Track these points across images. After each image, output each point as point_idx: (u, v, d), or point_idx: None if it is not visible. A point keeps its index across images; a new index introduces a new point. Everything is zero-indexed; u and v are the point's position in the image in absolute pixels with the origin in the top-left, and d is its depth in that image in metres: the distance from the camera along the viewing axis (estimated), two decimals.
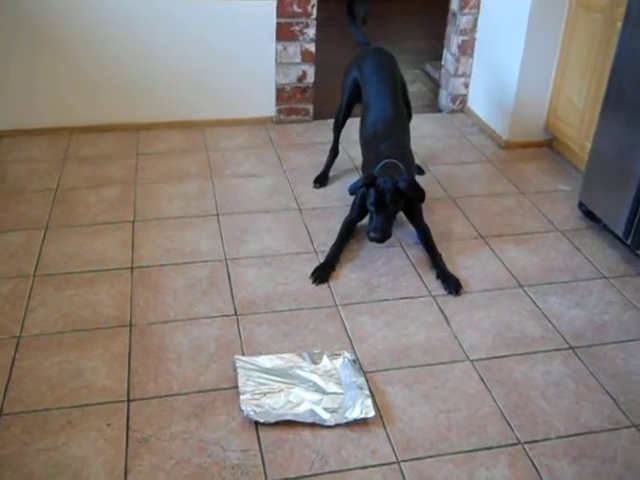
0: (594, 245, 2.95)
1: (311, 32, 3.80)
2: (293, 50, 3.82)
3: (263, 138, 3.84)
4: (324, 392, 2.12)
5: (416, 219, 2.85)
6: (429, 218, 2.96)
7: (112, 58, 3.68)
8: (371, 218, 2.67)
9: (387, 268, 2.75)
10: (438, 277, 2.69)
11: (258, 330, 2.39)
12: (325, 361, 2.23)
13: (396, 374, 2.23)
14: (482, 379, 2.22)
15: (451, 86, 4.19)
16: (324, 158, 3.44)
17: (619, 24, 2.87)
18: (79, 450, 1.92)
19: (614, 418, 2.09)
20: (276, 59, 3.84)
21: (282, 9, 3.70)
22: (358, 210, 2.82)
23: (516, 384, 2.20)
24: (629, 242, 2.80)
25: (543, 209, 3.22)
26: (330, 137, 3.43)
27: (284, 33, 3.77)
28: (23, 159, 3.52)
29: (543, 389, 2.19)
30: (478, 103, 4.11)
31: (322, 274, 2.67)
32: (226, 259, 2.77)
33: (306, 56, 3.86)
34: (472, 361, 2.30)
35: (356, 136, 3.11)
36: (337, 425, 2.01)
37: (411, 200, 2.71)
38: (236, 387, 2.13)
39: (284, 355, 2.26)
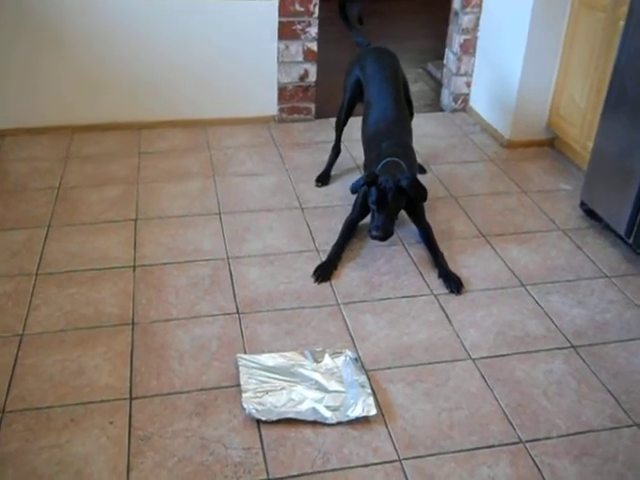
0: (596, 244, 2.95)
1: (313, 31, 3.80)
2: (295, 49, 3.83)
3: (265, 137, 3.84)
4: (326, 390, 2.12)
5: (418, 218, 2.85)
6: (431, 217, 2.96)
7: (114, 57, 3.69)
8: (373, 217, 2.68)
9: (389, 267, 2.75)
10: (440, 276, 2.69)
11: (260, 328, 2.40)
12: (327, 359, 2.24)
13: (398, 372, 2.23)
14: (484, 378, 2.22)
15: (453, 85, 4.19)
16: (326, 157, 3.44)
17: (621, 23, 2.87)
18: (82, 448, 1.93)
19: (616, 417, 2.09)
20: (278, 58, 3.84)
21: (284, 8, 3.70)
22: (360, 209, 2.82)
23: (518, 383, 2.21)
24: (631, 241, 2.80)
25: (545, 208, 3.22)
26: (332, 136, 3.43)
27: (286, 32, 3.77)
28: (25, 158, 3.53)
29: (545, 388, 2.19)
30: (480, 102, 4.11)
31: (324, 273, 2.67)
32: (228, 258, 2.78)
33: (308, 55, 3.86)
34: (474, 360, 2.30)
35: (358, 135, 3.11)
36: (339, 423, 2.02)
37: (413, 199, 2.71)
38: (238, 385, 2.13)
39: (286, 353, 2.26)
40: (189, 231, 2.94)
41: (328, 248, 2.80)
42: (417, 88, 4.60)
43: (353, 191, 2.76)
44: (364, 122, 3.04)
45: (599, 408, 2.12)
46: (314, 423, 2.02)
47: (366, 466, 1.91)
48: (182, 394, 2.11)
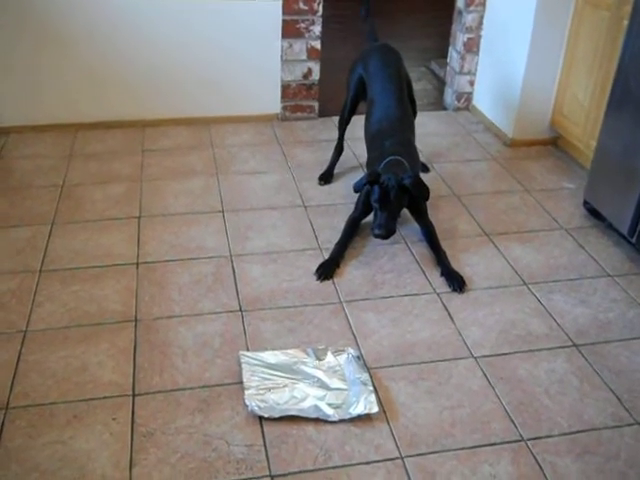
0: (599, 243, 2.95)
1: (317, 29, 3.80)
2: (299, 47, 3.83)
3: (268, 135, 3.85)
4: (328, 388, 2.13)
5: (420, 216, 2.85)
6: (434, 215, 2.96)
7: (118, 55, 3.69)
8: (375, 215, 2.68)
9: (391, 265, 2.76)
10: (442, 274, 2.69)
11: (263, 326, 2.40)
12: (329, 357, 2.24)
13: (400, 370, 2.24)
14: (486, 376, 2.23)
15: (456, 84, 4.19)
16: (329, 155, 3.45)
17: (625, 22, 2.87)
18: (85, 444, 1.94)
19: (617, 415, 2.10)
20: (282, 56, 3.84)
21: (288, 6, 3.71)
22: (363, 207, 2.83)
23: (520, 381, 2.21)
24: (634, 241, 2.80)
25: (548, 207, 3.22)
26: (335, 134, 3.43)
27: (290, 30, 3.77)
28: (29, 155, 3.54)
29: (547, 386, 2.19)
30: (483, 101, 4.11)
31: (326, 271, 2.67)
32: (231, 255, 2.78)
33: (312, 53, 3.86)
34: (476, 358, 2.30)
35: (361, 133, 3.11)
36: (341, 421, 2.02)
37: (416, 197, 2.72)
38: (241, 382, 2.14)
39: (289, 351, 2.27)
40: (192, 229, 2.95)
41: (331, 246, 2.81)
42: (420, 87, 4.60)
43: (356, 190, 2.76)
44: (367, 120, 3.05)
45: (601, 407, 2.13)
46: (316, 420, 2.02)
47: (368, 463, 1.91)
48: (185, 391, 2.12)
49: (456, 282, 2.64)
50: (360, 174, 3.27)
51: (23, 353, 2.25)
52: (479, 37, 4.05)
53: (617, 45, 2.98)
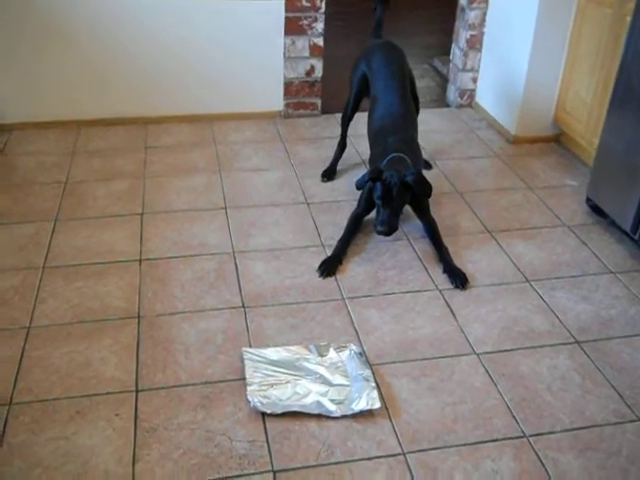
0: (601, 240, 2.95)
1: (320, 26, 3.80)
2: (301, 44, 3.83)
3: (271, 132, 3.85)
4: (330, 384, 2.13)
5: (423, 213, 2.85)
6: (436, 212, 2.96)
7: (121, 52, 3.70)
8: (378, 211, 2.68)
9: (394, 262, 2.76)
10: (444, 271, 2.69)
11: (265, 322, 2.41)
12: (332, 353, 2.25)
13: (402, 367, 2.24)
14: (488, 372, 2.23)
15: (459, 81, 4.19)
16: (332, 152, 3.45)
17: (628, 19, 2.86)
18: (88, 439, 1.94)
19: (619, 412, 2.10)
20: (284, 53, 3.84)
21: (291, 3, 3.71)
22: (365, 204, 2.83)
23: (522, 378, 2.21)
24: (636, 238, 2.80)
25: (550, 204, 3.21)
26: (338, 131, 3.44)
27: (293, 27, 3.77)
28: (32, 152, 3.54)
29: (549, 383, 2.20)
30: (486, 98, 4.11)
31: (329, 267, 2.68)
32: (234, 252, 2.79)
33: (314, 50, 3.86)
34: (478, 354, 2.30)
35: (364, 130, 3.11)
36: (343, 416, 2.03)
37: (418, 194, 2.72)
38: (243, 379, 2.14)
39: (291, 347, 2.27)
40: (195, 225, 2.95)
41: (334, 243, 2.81)
42: (423, 84, 4.60)
43: (358, 187, 2.76)
44: (370, 117, 3.05)
45: (603, 403, 2.13)
46: (318, 416, 2.03)
47: (370, 459, 1.92)
48: (187, 387, 2.13)
49: (458, 279, 2.64)
50: (362, 171, 3.27)
51: (26, 349, 2.26)
52: (482, 34, 4.04)
53: (620, 42, 2.97)
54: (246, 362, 2.19)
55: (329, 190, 3.28)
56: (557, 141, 3.80)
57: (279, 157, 3.58)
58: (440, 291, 2.61)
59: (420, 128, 3.07)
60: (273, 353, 2.24)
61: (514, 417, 2.07)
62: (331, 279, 2.65)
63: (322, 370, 2.18)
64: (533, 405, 2.11)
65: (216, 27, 3.73)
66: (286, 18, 3.75)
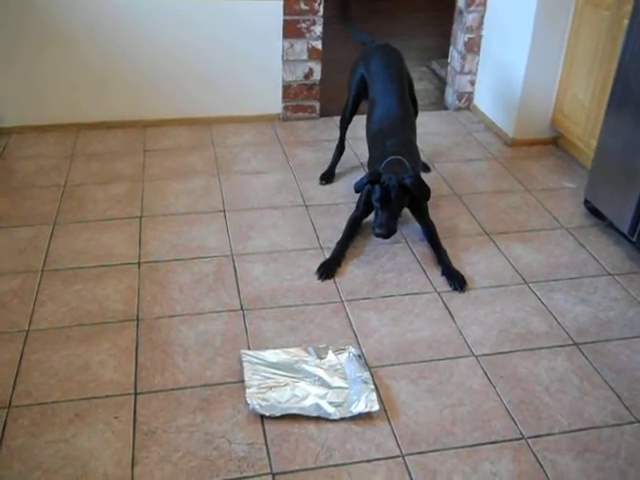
0: (599, 242, 2.96)
1: (318, 29, 3.81)
2: (300, 47, 3.84)
3: (270, 135, 3.86)
4: (329, 386, 2.13)
5: (421, 215, 2.86)
6: (435, 215, 2.97)
7: (119, 55, 3.70)
8: (376, 214, 2.69)
9: (392, 264, 2.76)
10: (443, 273, 2.70)
11: (264, 325, 2.41)
12: (330, 356, 2.25)
13: (401, 369, 2.24)
14: (486, 374, 2.23)
15: (457, 83, 4.19)
16: (330, 155, 3.46)
17: (626, 21, 2.87)
18: (87, 442, 1.95)
19: (618, 414, 2.10)
20: (283, 56, 3.85)
21: (289, 6, 3.72)
22: (364, 206, 2.83)
23: (520, 379, 2.22)
24: (634, 239, 2.81)
25: (549, 206, 3.22)
26: (336, 134, 3.44)
27: (291, 30, 3.78)
28: (31, 155, 3.55)
29: (547, 385, 2.20)
30: (484, 100, 4.12)
31: (328, 270, 2.68)
32: (232, 255, 2.79)
33: (313, 53, 3.87)
34: (477, 357, 2.31)
35: (362, 133, 3.12)
36: (342, 419, 2.03)
37: (416, 197, 2.72)
38: (242, 381, 2.14)
39: (290, 349, 2.28)
40: (194, 228, 2.96)
41: (332, 245, 2.81)
42: (421, 87, 4.61)
43: (357, 189, 2.77)
44: (368, 120, 3.05)
45: (601, 405, 2.13)
46: (317, 419, 2.03)
47: (369, 461, 1.92)
48: (186, 389, 2.13)
49: (457, 281, 2.64)
50: (361, 174, 3.28)
51: (25, 352, 2.26)
52: (480, 37, 4.05)
53: (617, 44, 2.98)
54: (245, 364, 2.20)
55: (327, 193, 3.28)
56: (555, 143, 3.80)
57: (278, 160, 3.58)
58: (439, 293, 2.61)
59: (418, 131, 3.08)
60: (272, 355, 2.25)
61: (512, 419, 2.07)
62: (330, 281, 2.65)
63: (321, 372, 2.18)
64: (531, 407, 2.11)
65: (215, 30, 3.73)
66: (284, 21, 3.76)
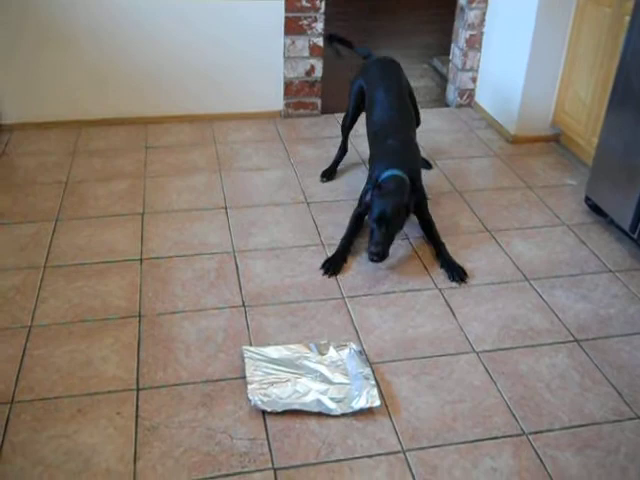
0: (600, 239, 2.96)
1: (319, 26, 3.81)
2: (301, 44, 3.84)
3: (271, 132, 3.86)
4: (330, 382, 2.14)
5: (421, 211, 2.86)
6: (436, 212, 2.98)
7: (121, 52, 3.71)
8: (372, 234, 2.64)
9: (393, 261, 2.77)
10: (442, 265, 2.71)
11: (266, 321, 2.42)
12: (332, 352, 2.26)
13: (402, 365, 2.25)
14: (487, 371, 2.24)
15: (459, 80, 4.20)
16: (332, 151, 3.46)
17: (627, 18, 2.87)
18: (89, 438, 1.95)
19: (618, 410, 2.11)
20: (284, 53, 3.85)
21: (291, 3, 3.72)
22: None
23: (521, 376, 2.22)
24: (635, 237, 2.81)
25: (550, 203, 3.23)
26: (337, 131, 3.46)
27: (292, 27, 3.78)
28: (33, 152, 3.55)
29: (548, 381, 2.20)
30: (485, 98, 4.12)
31: (334, 266, 2.68)
32: (234, 251, 2.80)
33: (314, 50, 3.87)
34: (478, 353, 2.31)
35: (364, 130, 3.12)
36: (343, 415, 2.04)
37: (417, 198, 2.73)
38: (244, 377, 2.15)
39: (291, 346, 2.28)
40: (195, 225, 2.96)
41: (334, 242, 2.82)
42: (423, 84, 4.61)
43: (365, 203, 2.75)
44: (368, 118, 3.07)
45: (602, 401, 2.14)
46: (319, 414, 2.04)
47: (370, 457, 1.93)
48: (188, 385, 2.14)
49: (456, 273, 2.65)
50: (362, 171, 3.30)
51: (28, 348, 2.27)
52: (481, 34, 4.05)
53: (619, 42, 2.98)
54: (246, 361, 2.20)
55: (329, 190, 3.29)
56: (556, 141, 3.81)
57: (279, 157, 3.59)
58: (440, 290, 2.61)
59: (420, 128, 3.09)
60: (273, 352, 2.25)
61: (513, 415, 2.08)
62: (331, 278, 2.65)
63: (322, 368, 2.19)
64: (532, 403, 2.12)
65: (216, 27, 3.74)
66: (286, 18, 3.76)
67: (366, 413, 2.05)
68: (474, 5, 3.97)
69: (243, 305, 2.49)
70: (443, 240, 2.81)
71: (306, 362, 2.22)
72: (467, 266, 2.73)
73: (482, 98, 4.16)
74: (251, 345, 2.30)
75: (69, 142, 3.66)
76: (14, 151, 3.57)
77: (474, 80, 4.19)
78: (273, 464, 1.89)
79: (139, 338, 2.32)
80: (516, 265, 2.77)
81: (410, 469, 1.89)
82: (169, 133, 3.79)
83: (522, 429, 2.03)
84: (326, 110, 4.06)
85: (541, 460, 1.93)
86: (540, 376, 2.22)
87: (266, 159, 3.56)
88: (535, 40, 3.53)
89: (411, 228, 2.96)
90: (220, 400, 2.09)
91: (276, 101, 3.99)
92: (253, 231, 2.94)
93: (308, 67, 3.91)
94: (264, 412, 2.04)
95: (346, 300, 2.54)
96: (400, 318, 2.46)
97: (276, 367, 2.18)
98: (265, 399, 2.06)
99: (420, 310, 2.50)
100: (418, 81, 4.59)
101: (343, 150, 3.43)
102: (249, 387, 2.10)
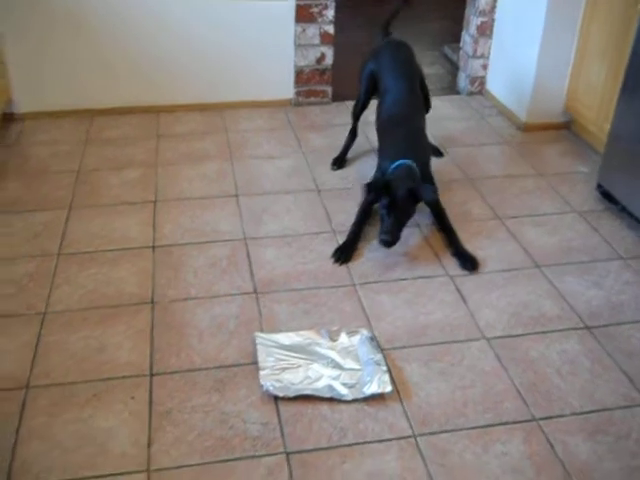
0: (612, 226, 2.96)
1: (330, 14, 3.80)
2: (312, 32, 3.84)
3: (282, 120, 3.87)
4: (342, 368, 2.16)
5: (432, 201, 2.85)
6: (447, 199, 2.98)
7: (132, 41, 3.72)
8: (382, 221, 2.66)
9: (404, 248, 2.78)
10: (454, 254, 2.71)
11: (277, 308, 2.43)
12: (343, 338, 2.27)
13: (413, 351, 2.26)
14: (498, 357, 2.25)
15: (470, 68, 4.18)
16: (342, 140, 3.46)
17: None
18: (104, 422, 1.98)
19: (629, 396, 2.11)
20: (295, 41, 3.85)
21: None
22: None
23: (532, 362, 2.23)
24: None
25: (561, 191, 3.22)
26: (348, 119, 3.45)
27: (303, 15, 3.78)
28: (45, 141, 3.58)
29: (559, 367, 2.21)
30: (497, 85, 4.10)
31: (345, 254, 2.69)
32: (246, 238, 2.81)
33: (325, 38, 3.87)
34: (488, 339, 2.32)
35: (374, 118, 3.12)
36: (355, 400, 2.05)
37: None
38: (256, 363, 2.17)
39: (303, 332, 2.30)
40: (207, 213, 2.98)
41: (344, 229, 2.83)
42: (433, 71, 4.59)
43: (369, 191, 2.75)
44: (379, 109, 3.06)
45: (612, 387, 2.14)
46: (330, 400, 2.06)
47: (381, 441, 1.94)
48: (201, 371, 2.16)
49: (468, 262, 2.66)
50: (372, 159, 3.29)
51: (42, 334, 2.29)
52: (492, 20, 4.03)
53: (631, 28, 2.96)
54: (258, 347, 2.22)
55: (339, 177, 3.29)
56: (568, 128, 3.79)
57: (290, 145, 3.59)
58: (451, 277, 2.62)
59: (430, 115, 3.09)
60: (285, 338, 2.27)
61: (524, 401, 2.09)
62: (342, 265, 2.66)
63: (334, 354, 2.21)
64: (543, 389, 2.13)
65: (227, 15, 3.74)
66: (297, 6, 3.75)
67: (377, 398, 2.07)
68: None
69: (255, 292, 2.51)
70: (456, 229, 2.81)
71: (317, 348, 2.23)
72: (478, 253, 2.74)
73: (493, 85, 4.15)
74: (263, 332, 2.32)
75: (81, 131, 3.68)
76: (27, 140, 3.59)
77: (485, 67, 4.17)
78: (285, 448, 1.92)
79: (152, 324, 2.34)
80: (527, 252, 2.77)
81: (421, 453, 1.91)
82: (180, 122, 3.81)
83: (532, 415, 2.04)
84: (337, 98, 4.06)
85: (551, 445, 1.94)
86: (551, 362, 2.23)
87: (277, 147, 3.57)
88: (546, 26, 3.50)
89: (422, 215, 2.96)
90: (233, 385, 2.11)
91: (287, 89, 3.99)
92: (264, 218, 2.95)
93: (319, 55, 3.91)
94: (276, 397, 2.06)
95: (357, 287, 2.55)
96: (411, 305, 2.47)
97: (288, 353, 2.20)
98: (277, 384, 2.08)
99: (431, 297, 2.51)
100: (429, 68, 4.57)
101: (353, 135, 3.43)
102: (261, 373, 2.12)
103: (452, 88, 4.37)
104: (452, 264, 2.69)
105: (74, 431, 1.95)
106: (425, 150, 2.91)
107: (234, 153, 3.49)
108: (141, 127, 3.74)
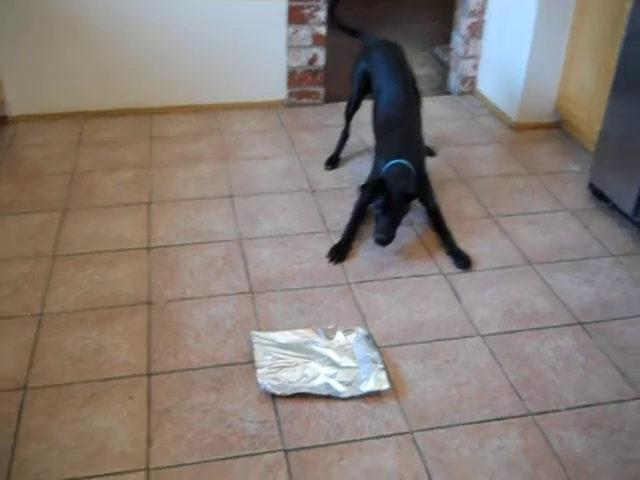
0: (603, 224, 2.99)
1: (322, 15, 3.82)
2: (304, 33, 3.85)
3: (275, 121, 3.88)
4: (338, 366, 2.17)
5: (426, 199, 2.88)
6: (440, 199, 3.00)
7: (124, 43, 3.72)
8: (377, 220, 2.69)
9: (399, 247, 2.80)
10: (448, 253, 2.73)
11: (273, 307, 2.45)
12: (339, 336, 2.29)
13: (409, 349, 2.28)
14: (492, 354, 2.27)
15: (460, 68, 4.21)
16: (335, 140, 3.47)
17: (630, 3, 2.88)
18: (103, 422, 1.99)
19: (622, 390, 2.14)
20: (287, 42, 3.87)
21: None
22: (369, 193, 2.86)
23: (526, 358, 2.25)
24: (638, 221, 2.84)
25: (553, 189, 3.25)
26: (341, 120, 3.46)
27: (295, 16, 3.80)
28: (39, 143, 3.58)
29: (553, 363, 2.24)
30: (488, 85, 4.13)
31: (340, 253, 2.71)
32: (241, 239, 2.83)
33: (317, 39, 3.89)
34: (483, 336, 2.35)
35: (367, 118, 3.14)
36: (351, 397, 2.07)
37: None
38: (252, 362, 2.18)
39: (299, 331, 2.32)
40: (202, 213, 2.99)
41: (339, 229, 2.85)
42: (424, 72, 4.62)
43: (363, 192, 2.78)
44: (374, 109, 3.08)
45: (606, 382, 2.17)
46: (327, 397, 2.07)
47: (378, 438, 1.96)
48: (199, 370, 2.17)
49: (462, 261, 2.68)
50: (366, 159, 3.32)
51: (39, 335, 2.30)
52: (483, 21, 4.06)
53: (622, 27, 2.99)
54: (255, 346, 2.24)
55: (333, 177, 3.31)
56: (559, 127, 3.82)
57: (283, 146, 3.61)
58: (445, 275, 2.64)
59: (423, 115, 3.09)
60: (281, 337, 2.29)
61: (519, 396, 2.11)
62: (337, 264, 2.68)
63: (330, 353, 2.22)
64: (537, 384, 2.15)
65: (219, 17, 3.75)
66: (288, 7, 3.77)
67: (374, 395, 2.08)
68: None
69: (251, 292, 2.52)
70: (450, 228, 2.83)
71: (314, 347, 2.25)
72: (471, 252, 2.76)
73: (484, 85, 4.18)
74: (259, 330, 2.33)
75: (74, 133, 3.68)
76: (20, 143, 3.59)
77: (475, 67, 4.21)
78: (284, 445, 1.93)
79: (149, 325, 2.35)
80: (520, 250, 2.80)
81: (418, 449, 1.93)
82: (173, 123, 3.82)
83: (528, 410, 2.06)
84: (329, 99, 4.08)
85: (547, 439, 1.97)
86: (545, 358, 2.26)
87: (271, 148, 3.58)
88: (537, 26, 3.53)
89: (415, 214, 2.98)
90: (230, 384, 2.12)
91: (279, 90, 4.01)
92: (259, 219, 2.96)
93: (311, 56, 3.93)
94: (274, 395, 2.07)
95: (352, 286, 2.57)
96: (406, 303, 2.49)
97: (285, 352, 2.22)
98: (274, 383, 2.09)
99: (426, 295, 2.53)
100: (419, 69, 4.59)
101: (345, 135, 3.45)
102: (258, 372, 2.13)
103: (443, 89, 4.40)
104: (446, 262, 2.71)
105: (72, 431, 1.96)
106: (421, 150, 2.93)
107: (228, 154, 3.51)
108: (134, 129, 3.75)
